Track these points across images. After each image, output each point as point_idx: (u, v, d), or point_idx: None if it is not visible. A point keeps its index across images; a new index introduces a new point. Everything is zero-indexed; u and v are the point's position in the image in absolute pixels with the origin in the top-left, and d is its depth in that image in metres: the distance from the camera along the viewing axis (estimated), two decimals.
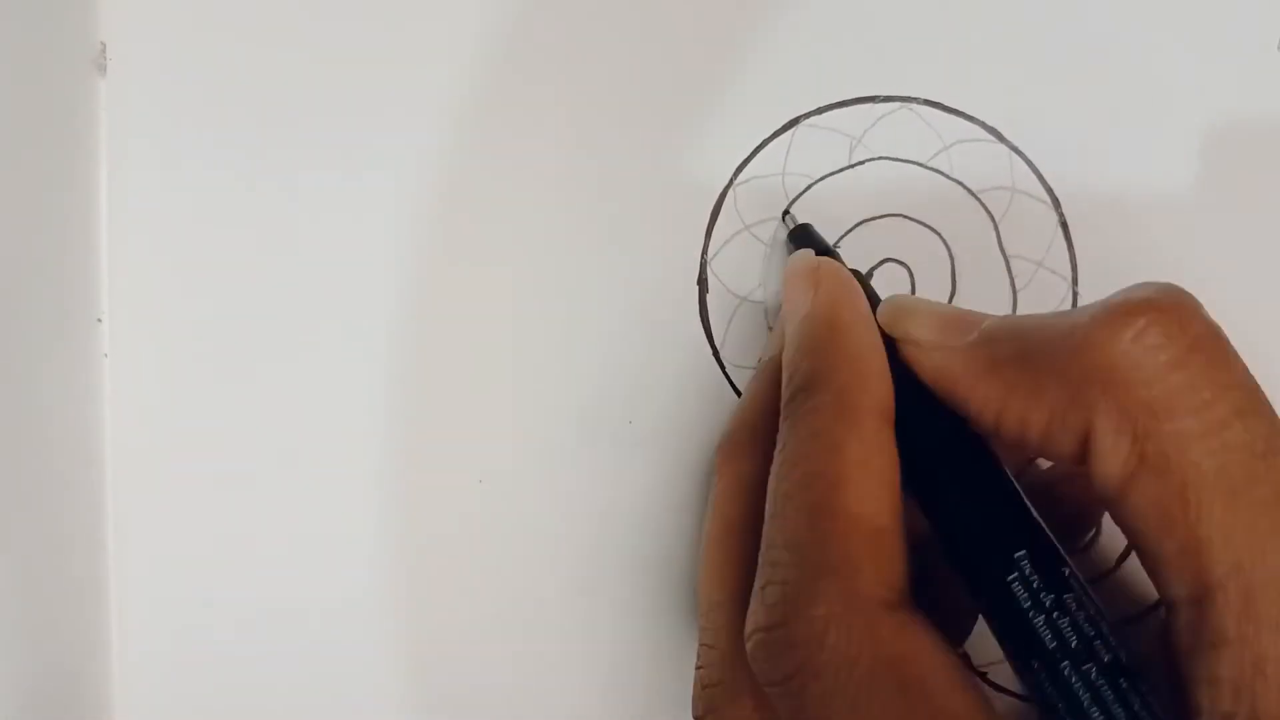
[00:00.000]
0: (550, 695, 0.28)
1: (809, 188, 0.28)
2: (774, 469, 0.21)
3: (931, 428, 0.21)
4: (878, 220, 0.27)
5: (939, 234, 0.27)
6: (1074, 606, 0.19)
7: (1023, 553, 0.19)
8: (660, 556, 0.28)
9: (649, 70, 0.28)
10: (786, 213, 0.27)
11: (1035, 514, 0.20)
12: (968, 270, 0.27)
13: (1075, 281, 0.27)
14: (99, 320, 0.28)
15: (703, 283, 0.28)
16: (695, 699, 0.23)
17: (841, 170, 0.27)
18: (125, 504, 0.28)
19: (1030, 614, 0.19)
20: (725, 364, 0.28)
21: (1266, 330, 0.27)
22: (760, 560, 0.20)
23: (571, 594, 0.28)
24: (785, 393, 0.22)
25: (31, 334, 0.26)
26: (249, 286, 0.28)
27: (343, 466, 0.28)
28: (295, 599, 0.28)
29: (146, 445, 0.28)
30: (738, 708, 0.21)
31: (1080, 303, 0.27)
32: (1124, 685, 0.18)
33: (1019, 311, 0.27)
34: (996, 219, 0.27)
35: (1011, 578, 0.19)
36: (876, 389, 0.21)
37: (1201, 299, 0.26)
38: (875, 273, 0.27)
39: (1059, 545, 0.20)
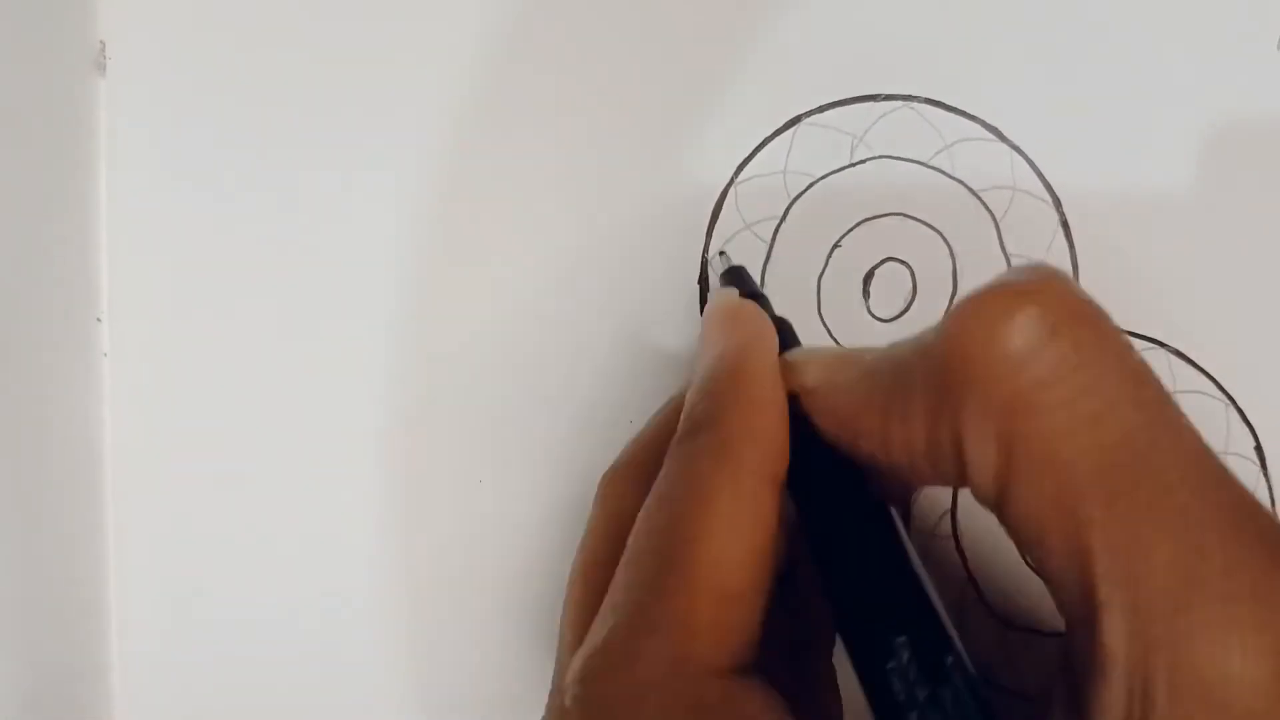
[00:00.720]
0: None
1: (810, 186, 0.28)
2: (645, 504, 0.20)
3: (830, 491, 0.20)
4: (879, 219, 0.27)
5: (940, 233, 0.27)
6: (949, 702, 0.17)
7: (904, 639, 0.18)
8: None
9: (650, 69, 0.28)
10: (722, 252, 0.27)
11: (929, 591, 0.19)
12: (969, 269, 0.27)
13: (1076, 281, 0.27)
14: (99, 319, 0.28)
15: (704, 282, 0.28)
16: None
17: (843, 169, 0.27)
18: (125, 504, 0.28)
19: (904, 708, 0.17)
20: None
21: (1267, 330, 0.27)
22: (604, 601, 0.19)
23: None
24: (679, 430, 0.21)
25: (31, 333, 0.26)
26: (249, 286, 0.28)
27: (343, 466, 0.28)
28: (295, 599, 0.28)
29: (146, 445, 0.28)
30: None
31: None
32: None
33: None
34: (997, 218, 0.27)
35: (890, 665, 0.18)
36: (766, 445, 0.19)
37: (1202, 298, 0.27)
38: (876, 272, 0.27)
39: (949, 627, 0.18)
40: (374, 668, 0.28)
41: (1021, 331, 0.16)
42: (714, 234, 0.28)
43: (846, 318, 0.28)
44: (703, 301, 0.28)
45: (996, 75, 0.27)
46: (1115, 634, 0.16)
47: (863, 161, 0.27)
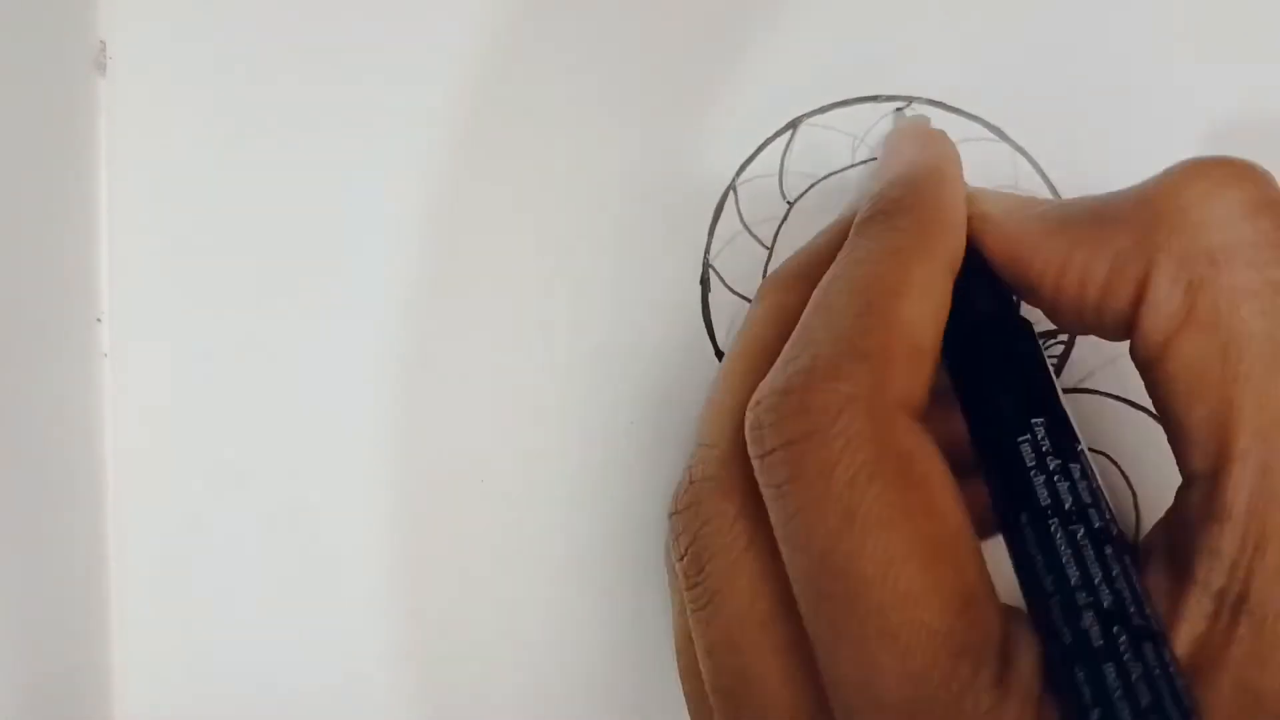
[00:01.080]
0: (550, 696, 0.28)
1: (811, 187, 0.27)
2: (834, 267, 0.21)
3: (984, 304, 0.21)
4: None
5: None
6: (1077, 475, 0.18)
7: (1041, 420, 0.19)
8: (662, 557, 0.28)
9: (651, 69, 0.28)
10: (900, 108, 0.27)
11: (1064, 402, 0.20)
12: None
13: None
14: (98, 320, 0.28)
15: (705, 282, 0.28)
16: (677, 494, 0.22)
17: (844, 170, 0.27)
18: (125, 504, 0.28)
19: (1033, 472, 0.18)
20: None
21: None
22: (792, 340, 0.20)
23: (572, 595, 0.28)
24: (864, 213, 0.22)
25: (31, 334, 0.26)
26: (249, 286, 0.28)
27: (343, 467, 0.28)
28: (295, 599, 0.28)
29: (146, 445, 0.28)
30: (723, 503, 0.21)
31: None
32: (1108, 552, 0.17)
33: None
34: None
35: (1023, 439, 0.19)
36: (955, 239, 0.21)
37: None
38: None
39: (1078, 432, 0.19)
40: (375, 669, 0.28)
41: (1238, 197, 0.18)
42: (715, 235, 0.28)
43: None
44: (704, 302, 0.28)
45: (999, 75, 0.27)
46: (1242, 486, 0.17)
47: (865, 162, 0.27)
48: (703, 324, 0.28)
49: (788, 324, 0.21)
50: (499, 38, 0.28)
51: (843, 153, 0.27)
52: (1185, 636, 0.17)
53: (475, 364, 0.28)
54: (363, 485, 0.28)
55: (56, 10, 0.28)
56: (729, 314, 0.28)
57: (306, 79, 0.28)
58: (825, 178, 0.27)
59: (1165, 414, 0.19)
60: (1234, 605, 0.17)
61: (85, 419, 0.28)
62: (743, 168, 0.27)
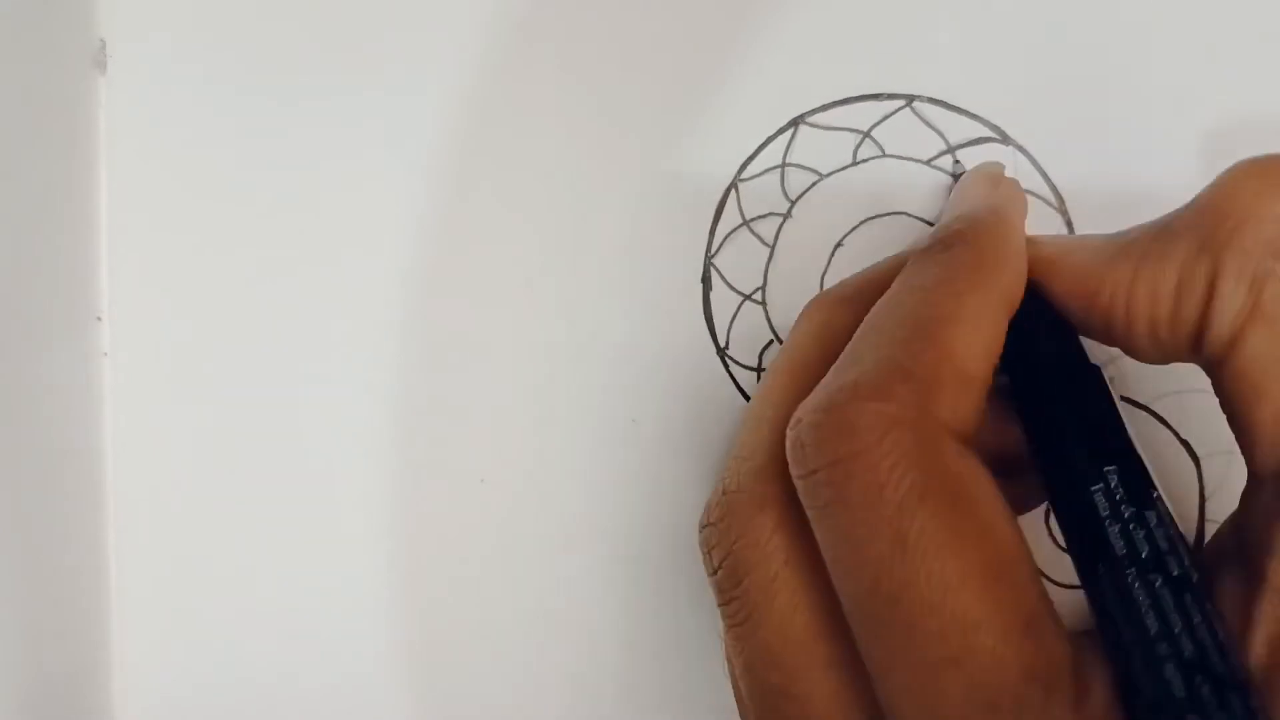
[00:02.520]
0: (551, 694, 0.28)
1: (812, 185, 0.27)
2: (888, 293, 0.21)
3: (1050, 347, 0.21)
4: (882, 218, 0.27)
5: None
6: (1153, 522, 0.18)
7: (1113, 468, 0.19)
8: (663, 555, 0.28)
9: (653, 66, 0.28)
10: (957, 160, 0.27)
11: (1135, 443, 0.20)
12: None
13: None
14: (98, 319, 0.28)
15: (706, 280, 0.28)
16: (710, 507, 0.21)
17: (845, 168, 0.27)
18: (125, 503, 0.28)
19: (1107, 521, 0.18)
20: (728, 362, 0.28)
21: None
22: (839, 360, 0.20)
23: (573, 592, 0.28)
24: (928, 243, 0.22)
25: (31, 332, 0.26)
26: (250, 284, 0.28)
27: (344, 465, 0.28)
28: (295, 599, 0.28)
29: (146, 444, 0.28)
30: (759, 516, 0.20)
31: None
32: (1188, 600, 0.17)
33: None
34: None
35: (1096, 488, 0.19)
36: (1012, 276, 0.21)
37: None
38: None
39: (1151, 475, 0.19)
40: (375, 668, 0.28)
41: None
42: (716, 233, 0.28)
43: None
44: (705, 300, 0.28)
45: (1000, 75, 0.27)
46: None
47: (866, 160, 0.27)
48: (704, 322, 0.28)
49: (833, 343, 0.21)
50: (499, 35, 0.28)
51: (844, 151, 0.27)
52: (1259, 640, 0.17)
53: (475, 363, 0.28)
54: (363, 484, 0.28)
55: (56, 8, 0.28)
56: (730, 312, 0.28)
57: (307, 78, 0.28)
58: (827, 176, 0.27)
59: (1233, 416, 0.19)
60: None
61: (85, 418, 0.28)
62: (744, 166, 0.27)
